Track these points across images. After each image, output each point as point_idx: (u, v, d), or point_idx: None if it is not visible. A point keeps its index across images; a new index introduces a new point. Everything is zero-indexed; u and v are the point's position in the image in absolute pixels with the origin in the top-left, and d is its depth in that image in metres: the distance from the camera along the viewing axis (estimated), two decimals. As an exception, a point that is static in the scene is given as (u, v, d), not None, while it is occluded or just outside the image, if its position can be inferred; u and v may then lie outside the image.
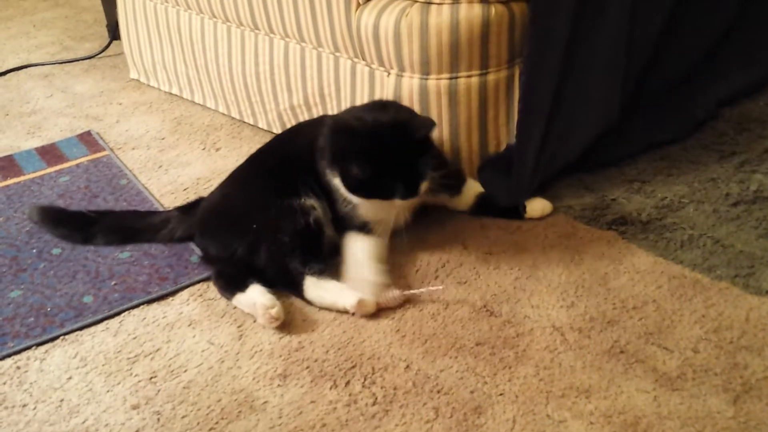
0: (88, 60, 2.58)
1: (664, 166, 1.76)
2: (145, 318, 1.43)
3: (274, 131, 2.00)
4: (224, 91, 2.08)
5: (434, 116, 1.63)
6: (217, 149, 1.99)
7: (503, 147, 1.67)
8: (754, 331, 1.30)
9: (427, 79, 1.60)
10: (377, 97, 1.69)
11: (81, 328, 1.41)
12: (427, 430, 1.16)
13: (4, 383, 1.30)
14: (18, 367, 1.33)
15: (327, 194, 1.50)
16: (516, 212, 1.61)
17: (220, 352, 1.34)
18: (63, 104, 2.29)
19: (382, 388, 1.24)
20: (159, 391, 1.26)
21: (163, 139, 2.06)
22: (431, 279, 1.47)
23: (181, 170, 1.90)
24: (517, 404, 1.19)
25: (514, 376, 1.24)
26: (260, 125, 2.04)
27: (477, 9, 1.53)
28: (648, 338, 1.30)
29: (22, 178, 1.88)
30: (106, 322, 1.42)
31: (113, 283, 1.51)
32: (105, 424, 1.21)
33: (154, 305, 1.46)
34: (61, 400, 1.26)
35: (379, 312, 1.40)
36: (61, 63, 2.57)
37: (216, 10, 1.97)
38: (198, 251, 1.57)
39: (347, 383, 1.25)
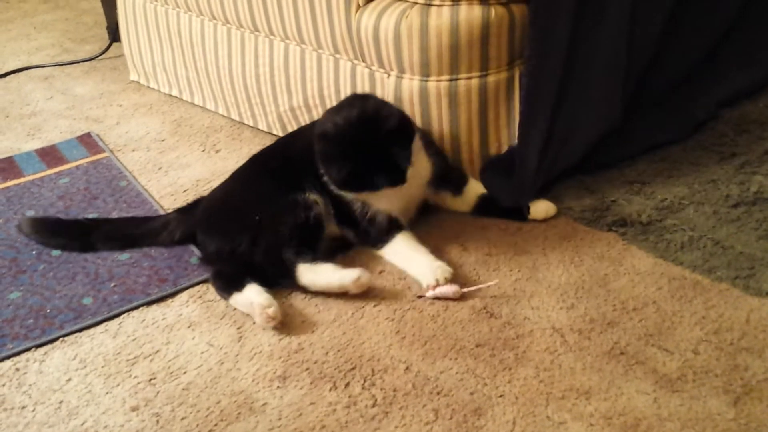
0: (88, 62, 2.59)
1: (664, 167, 1.76)
2: (144, 320, 1.42)
3: (274, 133, 2.00)
4: (224, 92, 2.08)
5: (434, 118, 1.63)
6: (217, 151, 1.99)
7: (504, 148, 1.66)
8: (754, 332, 1.30)
9: (427, 80, 1.60)
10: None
11: (80, 330, 1.40)
12: (426, 432, 1.16)
13: (4, 385, 1.29)
14: (17, 369, 1.33)
15: (332, 198, 1.52)
16: (519, 213, 1.61)
17: (220, 353, 1.33)
18: (63, 106, 2.29)
19: (381, 389, 1.24)
20: (158, 392, 1.26)
21: (163, 140, 2.06)
22: (431, 280, 1.47)
23: (180, 172, 1.90)
24: (517, 406, 1.19)
25: (514, 378, 1.24)
26: (260, 127, 2.04)
27: (477, 11, 1.53)
28: (648, 340, 1.30)
29: (22, 180, 1.88)
30: (105, 323, 1.42)
31: (113, 284, 1.51)
32: (104, 426, 1.20)
33: (154, 307, 1.45)
34: (61, 402, 1.25)
35: (378, 313, 1.40)
36: (62, 65, 2.57)
37: (216, 12, 1.97)
38: (197, 252, 1.57)
39: (347, 385, 1.25)
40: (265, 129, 2.03)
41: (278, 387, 1.26)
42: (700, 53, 2.02)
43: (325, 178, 1.49)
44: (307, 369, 1.29)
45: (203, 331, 1.39)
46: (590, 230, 1.57)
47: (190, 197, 1.77)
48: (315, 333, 1.37)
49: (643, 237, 1.53)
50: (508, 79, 1.61)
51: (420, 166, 1.52)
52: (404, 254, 1.50)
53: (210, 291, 1.48)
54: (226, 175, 1.69)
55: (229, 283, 1.44)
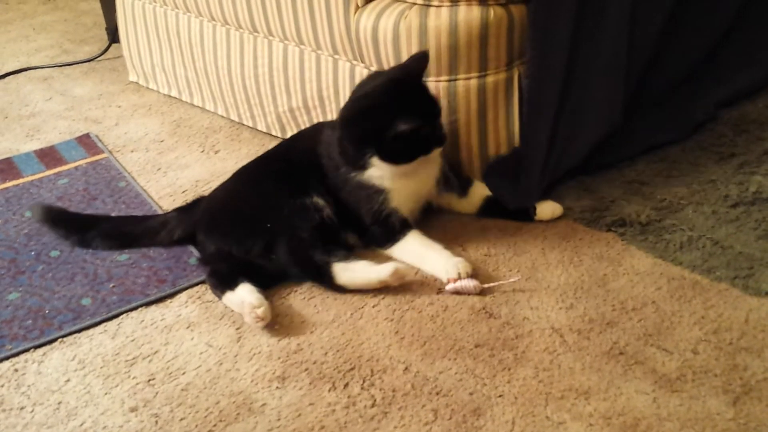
0: (87, 63, 2.59)
1: (663, 167, 1.76)
2: (143, 320, 1.42)
3: (273, 134, 2.01)
4: (223, 93, 2.08)
5: (433, 118, 1.63)
6: (216, 152, 1.99)
7: (503, 149, 1.66)
8: (753, 332, 1.30)
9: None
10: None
11: (79, 331, 1.40)
12: (425, 432, 1.16)
13: (2, 386, 1.29)
14: (16, 370, 1.33)
15: (336, 200, 1.53)
16: (525, 214, 1.61)
17: (219, 354, 1.33)
18: (62, 107, 2.29)
19: (380, 390, 1.24)
20: (157, 393, 1.26)
21: (161, 141, 2.06)
22: (430, 280, 1.47)
23: (179, 172, 1.90)
24: (516, 406, 1.19)
25: (513, 378, 1.24)
26: (259, 128, 2.04)
27: (476, 11, 1.53)
28: (647, 340, 1.30)
29: (20, 181, 1.88)
30: (104, 324, 1.42)
31: (111, 285, 1.51)
32: (103, 427, 1.20)
33: (153, 307, 1.45)
34: (59, 403, 1.25)
35: (377, 313, 1.39)
36: (61, 66, 2.57)
37: (215, 13, 1.97)
38: (196, 253, 1.57)
39: (346, 385, 1.25)
40: (264, 130, 2.03)
41: (277, 387, 1.26)
42: (700, 54, 2.02)
43: (372, 159, 1.47)
44: (306, 369, 1.29)
45: (202, 332, 1.39)
46: (589, 230, 1.57)
47: (189, 198, 1.76)
48: (314, 333, 1.37)
49: (642, 237, 1.53)
50: (507, 80, 1.61)
51: (433, 158, 1.53)
52: (419, 251, 1.50)
53: (209, 292, 1.48)
54: (226, 176, 1.69)
55: (222, 282, 1.44)
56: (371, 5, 1.62)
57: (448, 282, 1.42)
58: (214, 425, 1.19)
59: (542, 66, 1.55)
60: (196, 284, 1.50)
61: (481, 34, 1.54)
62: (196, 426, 1.20)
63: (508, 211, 1.61)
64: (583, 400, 1.19)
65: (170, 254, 1.58)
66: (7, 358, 1.35)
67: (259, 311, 1.36)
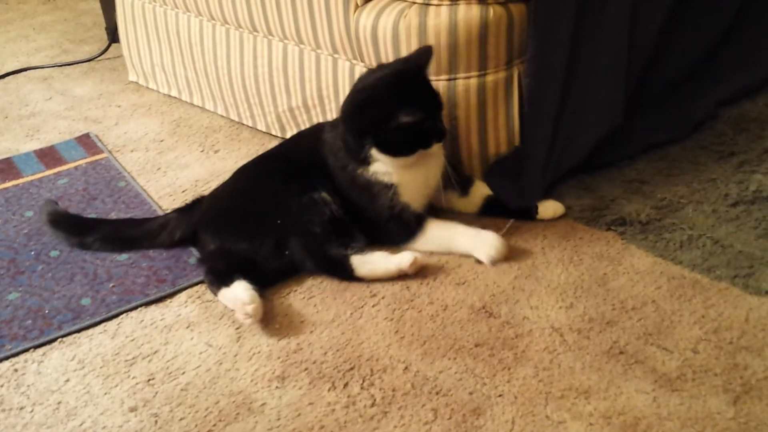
0: (87, 63, 2.59)
1: (663, 166, 1.76)
2: (143, 320, 1.42)
3: (273, 133, 2.00)
4: (223, 93, 2.08)
5: (433, 117, 1.63)
6: (216, 151, 1.99)
7: (503, 148, 1.66)
8: (753, 331, 1.29)
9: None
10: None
11: (79, 331, 1.40)
12: (425, 432, 1.16)
13: (2, 386, 1.29)
14: (15, 370, 1.33)
15: (343, 201, 1.53)
16: (527, 213, 1.60)
17: (218, 354, 1.33)
18: (62, 107, 2.29)
19: (380, 389, 1.24)
20: (157, 393, 1.26)
21: (161, 141, 2.06)
22: (430, 280, 1.46)
23: (179, 172, 1.90)
24: (516, 405, 1.19)
25: (513, 377, 1.24)
26: (259, 127, 2.04)
27: (475, 10, 1.53)
28: (647, 339, 1.29)
29: (20, 181, 1.88)
30: (103, 324, 1.42)
31: (111, 285, 1.51)
32: (102, 427, 1.20)
33: (152, 307, 1.45)
34: (59, 403, 1.25)
35: (377, 313, 1.39)
36: (60, 66, 2.57)
37: (215, 12, 1.97)
38: (196, 253, 1.57)
39: (346, 385, 1.25)
40: (264, 129, 2.03)
41: (277, 387, 1.26)
42: (700, 53, 2.01)
43: (372, 151, 1.48)
44: (305, 369, 1.29)
45: (202, 332, 1.38)
46: (589, 229, 1.57)
47: (189, 197, 1.76)
48: (314, 333, 1.36)
49: (642, 236, 1.53)
50: (506, 79, 1.61)
51: (437, 153, 1.53)
52: (446, 235, 1.52)
53: (209, 291, 1.48)
54: (225, 176, 1.69)
55: (218, 279, 1.44)
56: (371, 4, 1.62)
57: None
58: (214, 425, 1.19)
59: (543, 65, 1.55)
60: (196, 284, 1.50)
61: (481, 33, 1.54)
62: (196, 426, 1.19)
63: (510, 210, 1.61)
64: (583, 400, 1.19)
65: (170, 254, 1.58)
66: (6, 358, 1.35)
67: (249, 308, 1.35)
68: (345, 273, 1.47)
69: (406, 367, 1.28)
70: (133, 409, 1.23)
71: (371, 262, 1.47)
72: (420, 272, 1.48)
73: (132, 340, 1.38)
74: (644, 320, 1.33)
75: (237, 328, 1.39)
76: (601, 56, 1.66)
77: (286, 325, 1.39)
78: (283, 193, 1.52)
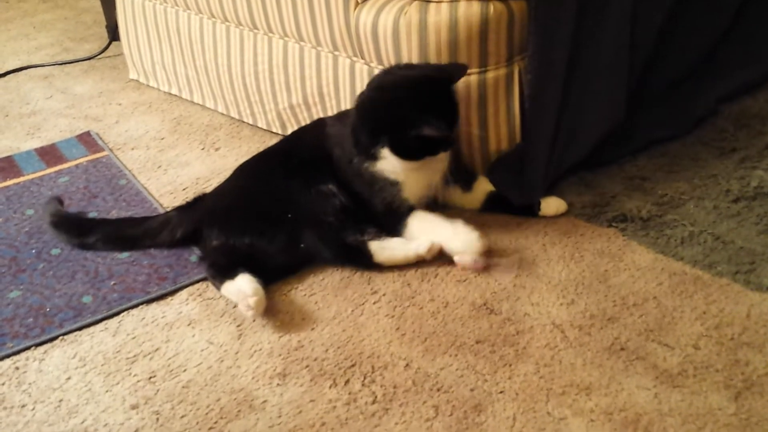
0: (87, 61, 2.58)
1: (664, 162, 1.76)
2: (144, 318, 1.42)
3: (273, 131, 2.00)
4: (223, 90, 2.08)
5: (433, 114, 1.63)
6: (217, 149, 1.99)
7: (504, 144, 1.66)
8: (755, 327, 1.29)
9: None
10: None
11: (80, 329, 1.40)
12: (427, 429, 1.16)
13: (3, 384, 1.29)
14: (17, 368, 1.33)
15: (349, 192, 1.53)
16: (530, 210, 1.60)
17: (220, 351, 1.33)
18: (62, 105, 2.29)
19: (381, 386, 1.24)
20: (158, 390, 1.26)
21: (162, 139, 2.06)
22: (431, 277, 1.46)
23: (180, 170, 1.90)
24: (518, 402, 1.19)
25: (514, 374, 1.24)
26: (259, 125, 2.04)
27: (476, 7, 1.52)
28: (648, 335, 1.29)
29: (21, 179, 1.88)
30: (105, 322, 1.42)
31: (112, 283, 1.51)
32: (104, 424, 1.20)
33: (153, 305, 1.45)
34: (60, 401, 1.25)
35: (378, 310, 1.39)
36: (61, 64, 2.57)
37: (215, 10, 1.97)
38: (197, 251, 1.56)
39: (347, 382, 1.25)
40: (265, 127, 2.02)
41: (278, 384, 1.26)
42: (701, 51, 2.01)
43: (361, 167, 1.49)
44: (306, 366, 1.29)
45: (203, 329, 1.39)
46: (590, 226, 1.57)
47: (190, 195, 1.76)
48: (315, 330, 1.36)
49: (643, 232, 1.53)
50: (507, 75, 1.61)
51: (440, 158, 1.53)
52: (427, 229, 1.50)
53: (210, 289, 1.48)
54: (226, 173, 1.69)
55: (222, 272, 1.44)
56: (371, 1, 1.62)
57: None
58: (215, 422, 1.19)
59: (543, 62, 1.55)
60: (197, 282, 1.50)
61: (481, 29, 1.54)
62: (197, 423, 1.20)
63: (512, 206, 1.61)
64: (585, 396, 1.19)
65: (171, 252, 1.58)
66: (8, 356, 1.35)
67: (251, 300, 1.35)
68: (364, 260, 1.47)
69: (407, 364, 1.28)
70: (134, 407, 1.23)
71: (390, 248, 1.47)
72: (421, 269, 1.48)
73: (133, 338, 1.38)
74: (645, 316, 1.33)
75: (238, 326, 1.39)
76: (603, 55, 1.66)
77: (288, 322, 1.39)
78: (291, 187, 1.52)
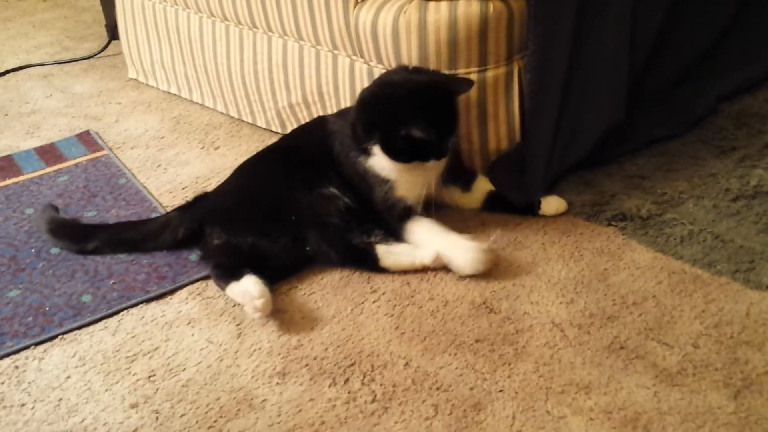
0: (87, 60, 2.58)
1: (663, 161, 1.76)
2: (143, 317, 1.42)
3: (273, 130, 2.00)
4: (223, 89, 2.08)
5: (433, 113, 1.63)
6: (216, 148, 1.99)
7: (503, 143, 1.66)
8: (754, 326, 1.29)
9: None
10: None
11: (79, 327, 1.40)
12: (426, 427, 1.16)
13: (3, 383, 1.29)
14: (16, 367, 1.33)
15: (353, 191, 1.53)
16: (530, 209, 1.60)
17: (219, 350, 1.33)
18: (62, 104, 2.29)
19: (381, 385, 1.24)
20: (158, 389, 1.26)
21: (161, 138, 2.06)
22: (430, 276, 1.46)
23: (179, 169, 1.90)
24: (517, 400, 1.19)
25: (514, 373, 1.24)
26: (259, 124, 2.04)
27: (475, 6, 1.52)
28: (648, 334, 1.29)
29: (21, 178, 1.88)
30: (104, 321, 1.42)
31: (112, 282, 1.51)
32: (103, 423, 1.20)
33: (153, 304, 1.45)
34: (60, 400, 1.25)
35: (377, 309, 1.39)
36: (60, 63, 2.57)
37: (214, 8, 1.97)
38: (198, 251, 1.56)
39: (346, 381, 1.25)
40: (264, 126, 2.02)
41: (278, 383, 1.26)
42: (700, 50, 2.01)
43: (356, 162, 1.50)
44: (306, 365, 1.29)
45: (202, 328, 1.39)
46: (590, 225, 1.57)
47: (189, 194, 1.76)
48: (314, 329, 1.36)
49: (642, 231, 1.53)
50: (506, 74, 1.61)
51: (430, 166, 1.52)
52: (428, 239, 1.50)
53: (209, 288, 1.48)
54: (226, 172, 1.69)
55: (227, 273, 1.44)
56: (370, 0, 1.62)
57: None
58: (215, 421, 1.19)
59: (543, 61, 1.54)
60: (197, 281, 1.50)
61: (481, 28, 1.54)
62: (197, 422, 1.20)
63: (512, 205, 1.61)
64: (584, 395, 1.19)
65: (171, 251, 1.58)
66: (7, 355, 1.35)
67: (258, 302, 1.35)
68: (370, 262, 1.47)
69: (406, 363, 1.28)
70: (134, 406, 1.23)
71: (397, 253, 1.47)
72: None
73: (133, 337, 1.38)
74: (645, 315, 1.33)
75: (238, 325, 1.39)
76: (603, 53, 1.65)
77: (287, 322, 1.39)
78: (293, 187, 1.52)
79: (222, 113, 2.14)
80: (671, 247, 1.49)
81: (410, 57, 1.59)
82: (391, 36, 1.58)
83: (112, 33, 2.59)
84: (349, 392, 1.23)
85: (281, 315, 1.40)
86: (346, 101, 1.77)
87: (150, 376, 1.29)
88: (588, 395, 1.19)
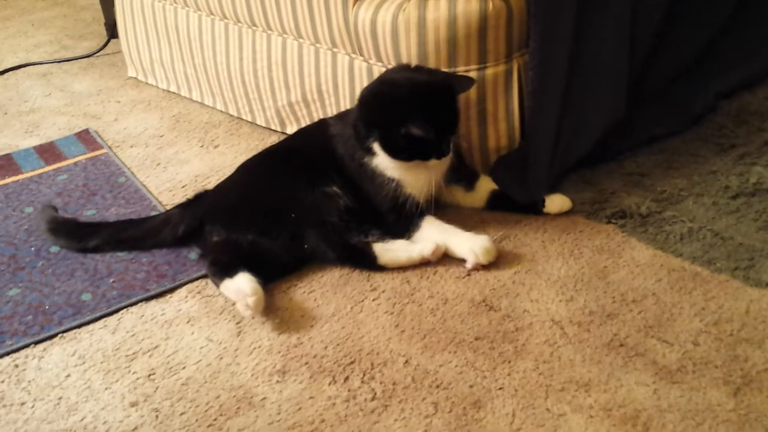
0: (86, 58, 2.58)
1: (663, 159, 1.75)
2: (143, 315, 1.42)
3: (272, 128, 2.00)
4: (222, 88, 2.08)
5: (432, 111, 1.62)
6: (216, 146, 1.98)
7: (503, 141, 1.66)
8: (754, 323, 1.29)
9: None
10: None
11: (79, 326, 1.40)
12: (426, 425, 1.16)
13: (3, 381, 1.29)
14: (16, 366, 1.33)
15: (354, 192, 1.53)
16: (533, 208, 1.60)
17: (219, 348, 1.33)
18: (61, 103, 2.29)
19: (381, 383, 1.24)
20: (157, 388, 1.26)
21: (161, 136, 2.05)
22: (430, 274, 1.46)
23: (179, 167, 1.90)
24: (517, 398, 1.19)
25: (514, 371, 1.24)
26: (258, 122, 2.04)
27: (474, 3, 1.52)
28: (648, 331, 1.29)
29: (20, 177, 1.88)
30: (104, 319, 1.42)
31: (111, 280, 1.51)
32: (103, 422, 1.20)
33: (153, 302, 1.45)
34: (60, 398, 1.25)
35: (377, 307, 1.39)
36: (60, 62, 2.57)
37: (213, 7, 1.97)
38: (197, 249, 1.56)
39: (346, 379, 1.25)
40: (263, 124, 2.02)
41: (277, 381, 1.26)
42: (700, 46, 2.01)
43: (361, 162, 1.51)
44: (306, 363, 1.29)
45: (202, 326, 1.39)
46: (589, 222, 1.57)
47: (189, 193, 1.76)
48: (314, 327, 1.36)
49: (642, 229, 1.53)
50: (506, 72, 1.61)
51: (431, 165, 1.52)
52: (440, 236, 1.50)
53: (209, 286, 1.48)
54: (225, 171, 1.69)
55: (222, 270, 1.44)
56: (369, -2, 1.62)
57: (475, 266, 1.46)
58: (215, 419, 1.20)
59: (544, 59, 1.54)
60: (196, 279, 1.50)
61: (480, 26, 1.54)
62: (197, 420, 1.20)
63: (516, 204, 1.61)
64: (584, 392, 1.19)
65: (170, 249, 1.58)
66: (7, 353, 1.35)
67: (250, 300, 1.35)
68: (367, 261, 1.47)
69: (406, 361, 1.28)
70: (133, 404, 1.23)
71: (393, 249, 1.47)
72: (420, 266, 1.48)
73: (132, 336, 1.38)
74: (644, 313, 1.33)
75: (237, 323, 1.39)
76: (603, 52, 1.65)
77: (287, 320, 1.39)
78: (294, 186, 1.52)
79: (221, 111, 2.14)
80: (671, 244, 1.49)
81: (409, 55, 1.59)
82: (391, 34, 1.58)
83: (112, 31, 2.60)
84: (348, 390, 1.23)
85: (281, 313, 1.40)
86: (346, 99, 1.77)
87: (150, 375, 1.29)
88: (588, 393, 1.19)
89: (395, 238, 1.51)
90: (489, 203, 1.63)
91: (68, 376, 1.30)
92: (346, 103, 1.76)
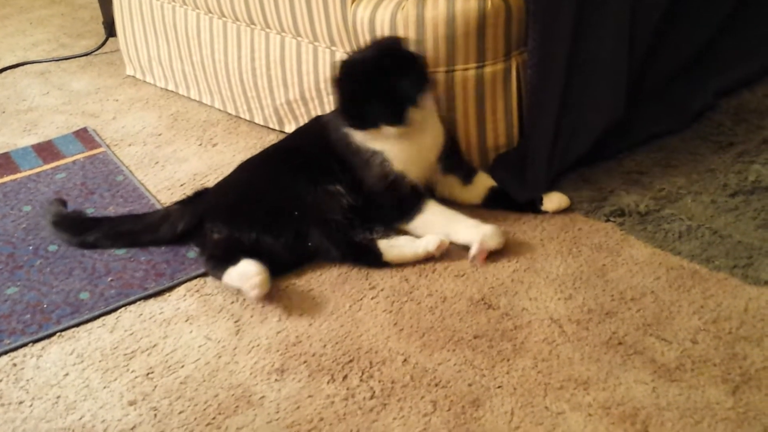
0: (84, 57, 2.58)
1: (662, 157, 1.75)
2: (141, 314, 1.42)
3: (271, 127, 2.00)
4: (220, 86, 2.07)
5: (431, 109, 1.62)
6: (214, 145, 1.98)
7: (502, 139, 1.66)
8: (752, 321, 1.29)
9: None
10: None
11: (77, 325, 1.40)
12: (425, 424, 1.16)
13: (1, 380, 1.29)
14: (14, 364, 1.33)
15: (357, 191, 1.53)
16: (532, 206, 1.60)
17: (218, 347, 1.33)
18: (59, 101, 2.28)
19: (379, 381, 1.24)
20: (156, 386, 1.26)
21: (159, 135, 2.05)
22: (429, 272, 1.46)
23: (177, 166, 1.90)
24: (515, 397, 1.19)
25: (512, 369, 1.24)
26: (256, 121, 2.03)
27: (473, 2, 1.52)
28: (646, 329, 1.29)
29: (18, 176, 1.88)
30: (102, 318, 1.42)
31: (110, 279, 1.50)
32: (102, 421, 1.20)
33: (151, 301, 1.45)
34: (58, 397, 1.25)
35: (376, 305, 1.39)
36: (58, 60, 2.56)
37: (212, 5, 1.96)
38: (195, 248, 1.56)
39: (345, 377, 1.25)
40: (262, 123, 2.02)
41: (276, 380, 1.26)
42: (698, 44, 2.01)
43: (354, 148, 1.51)
44: (305, 362, 1.29)
45: (201, 325, 1.38)
46: (588, 220, 1.57)
47: (187, 191, 1.75)
48: (313, 325, 1.36)
49: (641, 227, 1.53)
50: (505, 70, 1.61)
51: (432, 127, 1.54)
52: (445, 222, 1.50)
53: (208, 285, 1.48)
54: (224, 169, 1.69)
55: (223, 260, 1.44)
56: (368, -4, 1.62)
57: (481, 253, 1.46)
58: (213, 418, 1.19)
59: (543, 57, 1.54)
60: (195, 278, 1.50)
61: (479, 24, 1.54)
62: (195, 419, 1.19)
63: (514, 202, 1.60)
64: (582, 390, 1.19)
65: (168, 248, 1.58)
66: (5, 352, 1.35)
67: (256, 279, 1.36)
68: (372, 258, 1.47)
69: (405, 359, 1.28)
70: (132, 403, 1.23)
71: (398, 246, 1.48)
72: (419, 264, 1.48)
73: (131, 334, 1.38)
74: (643, 311, 1.33)
75: (236, 321, 1.39)
76: (602, 51, 1.65)
77: (285, 318, 1.39)
78: (297, 184, 1.52)
79: (220, 110, 2.14)
80: (669, 242, 1.49)
81: (408, 53, 1.58)
82: (389, 32, 1.58)
83: (110, 30, 2.59)
84: (347, 389, 1.23)
85: (279, 311, 1.40)
86: (344, 98, 1.77)
87: (148, 374, 1.29)
88: (586, 391, 1.19)
89: (393, 223, 1.51)
90: (487, 200, 1.62)
91: (66, 374, 1.30)
92: (345, 102, 1.76)
